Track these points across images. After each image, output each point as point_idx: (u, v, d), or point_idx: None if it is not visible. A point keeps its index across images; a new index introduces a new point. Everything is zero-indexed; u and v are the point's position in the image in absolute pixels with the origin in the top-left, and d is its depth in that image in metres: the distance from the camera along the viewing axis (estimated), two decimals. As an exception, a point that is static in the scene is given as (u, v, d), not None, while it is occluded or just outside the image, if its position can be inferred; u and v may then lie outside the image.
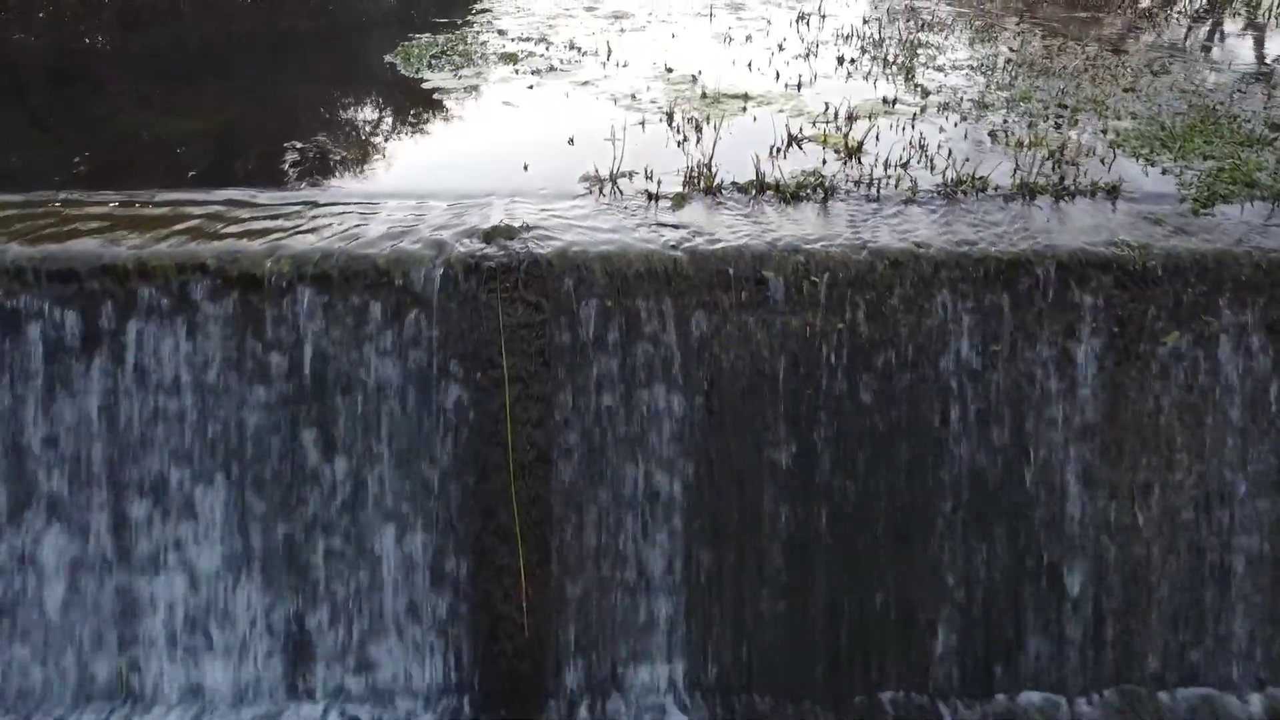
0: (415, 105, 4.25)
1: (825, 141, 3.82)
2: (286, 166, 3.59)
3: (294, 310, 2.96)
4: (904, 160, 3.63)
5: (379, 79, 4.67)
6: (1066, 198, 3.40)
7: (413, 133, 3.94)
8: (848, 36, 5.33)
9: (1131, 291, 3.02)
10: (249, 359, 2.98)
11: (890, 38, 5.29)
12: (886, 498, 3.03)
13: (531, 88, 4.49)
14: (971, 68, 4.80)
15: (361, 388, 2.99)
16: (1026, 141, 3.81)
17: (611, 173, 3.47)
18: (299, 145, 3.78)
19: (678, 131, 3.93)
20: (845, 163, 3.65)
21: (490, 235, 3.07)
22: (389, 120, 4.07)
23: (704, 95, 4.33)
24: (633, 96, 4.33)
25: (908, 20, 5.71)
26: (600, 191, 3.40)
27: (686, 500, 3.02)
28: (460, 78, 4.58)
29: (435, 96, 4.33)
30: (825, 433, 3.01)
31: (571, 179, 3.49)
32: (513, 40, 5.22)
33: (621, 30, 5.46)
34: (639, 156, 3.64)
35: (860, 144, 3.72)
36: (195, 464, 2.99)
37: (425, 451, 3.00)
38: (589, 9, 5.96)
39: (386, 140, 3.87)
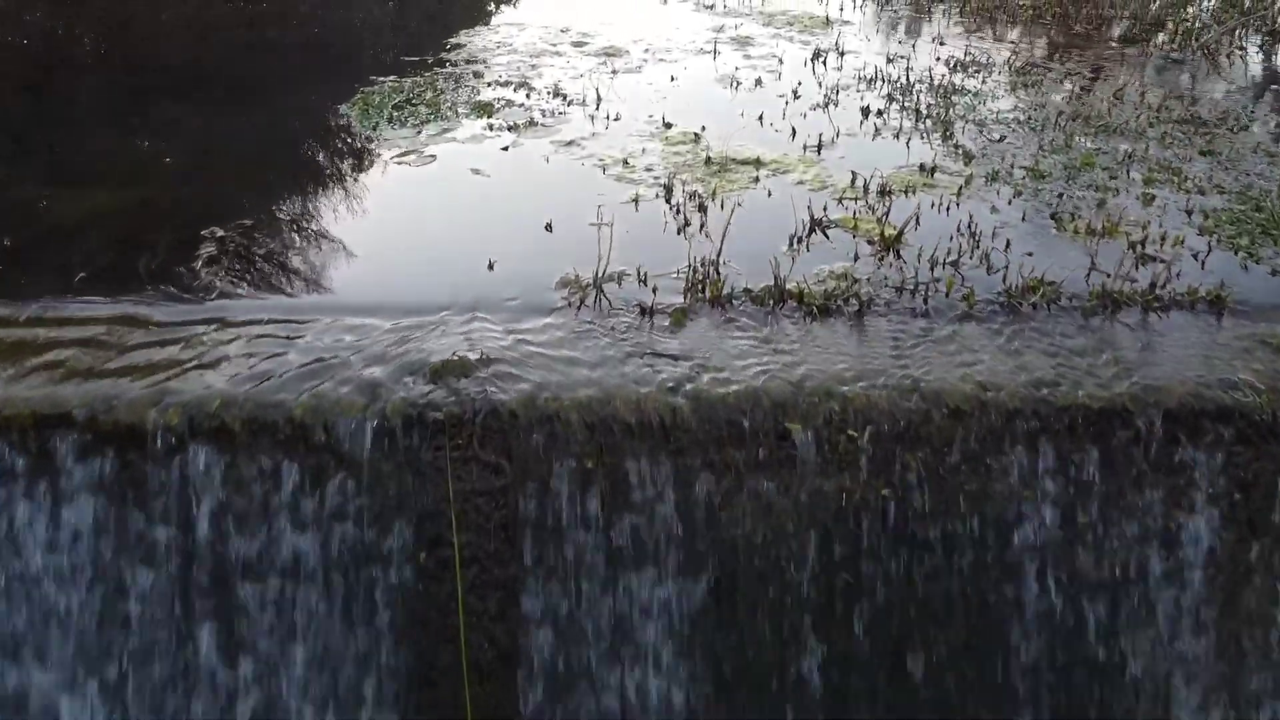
0: (364, 177, 3.58)
1: (856, 227, 3.17)
2: (199, 265, 2.93)
3: (186, 474, 2.32)
4: (953, 255, 2.98)
5: (328, 139, 4.00)
6: (1159, 310, 2.75)
7: (356, 218, 3.27)
8: (871, 80, 4.67)
9: (1258, 448, 2.37)
10: (129, 535, 2.34)
11: (920, 81, 4.64)
12: (945, 712, 2.38)
13: (506, 149, 3.83)
14: (1018, 122, 4.14)
15: (272, 572, 2.34)
16: (1099, 227, 3.16)
17: (596, 276, 2.82)
18: (219, 233, 3.12)
19: (677, 213, 3.28)
20: (881, 258, 3.00)
21: (439, 373, 2.42)
22: (329, 200, 3.40)
23: (708, 160, 3.67)
24: (625, 162, 3.68)
25: (937, 58, 5.06)
26: (582, 302, 2.74)
27: (689, 716, 2.37)
28: (423, 136, 3.92)
29: (390, 164, 3.67)
30: (867, 629, 2.37)
31: (547, 283, 2.84)
32: (489, 85, 4.56)
33: (613, 72, 4.79)
34: (631, 248, 2.99)
35: (899, 233, 3.07)
36: (61, 668, 2.35)
37: (354, 652, 2.37)
38: (578, 44, 5.30)
39: (323, 228, 3.20)
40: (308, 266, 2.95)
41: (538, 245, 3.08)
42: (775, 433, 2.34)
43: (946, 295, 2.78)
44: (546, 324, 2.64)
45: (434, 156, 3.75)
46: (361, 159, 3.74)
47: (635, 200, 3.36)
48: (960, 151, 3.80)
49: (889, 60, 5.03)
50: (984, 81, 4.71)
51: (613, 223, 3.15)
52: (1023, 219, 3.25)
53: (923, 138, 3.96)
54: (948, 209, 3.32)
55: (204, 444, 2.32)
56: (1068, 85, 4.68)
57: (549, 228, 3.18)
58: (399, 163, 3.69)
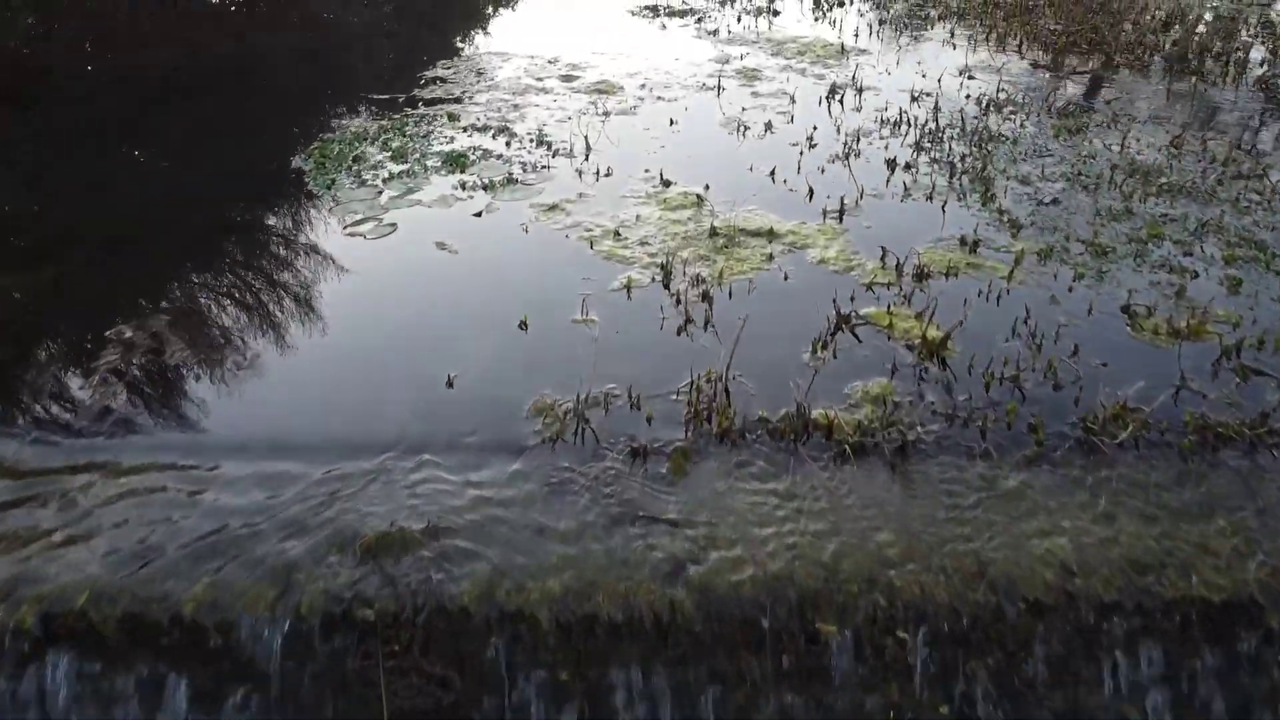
0: (308, 257, 3.04)
1: (891, 325, 2.64)
2: (95, 380, 2.41)
3: (43, 688, 1.80)
4: (1011, 367, 2.46)
5: (276, 203, 3.46)
6: (1273, 448, 2.22)
7: (291, 315, 2.73)
8: (895, 123, 4.15)
9: None
10: (-28, 766, 1.82)
11: (950, 125, 4.11)
12: None
13: (479, 214, 3.31)
14: (1067, 178, 3.62)
15: (156, 814, 1.82)
16: (1183, 325, 2.64)
17: (578, 400, 2.30)
18: (127, 334, 2.60)
19: (677, 303, 2.76)
20: (924, 370, 2.47)
21: (372, 550, 1.90)
22: (262, 290, 2.86)
23: (713, 232, 3.15)
24: (616, 233, 3.15)
25: (966, 95, 4.53)
26: (559, 437, 2.22)
27: None
28: (384, 198, 3.40)
29: (340, 237, 3.14)
30: None
31: (517, 408, 2.31)
32: (464, 129, 4.03)
33: (605, 113, 4.26)
34: (621, 356, 2.48)
35: (945, 338, 2.54)
36: None
37: None
38: (566, 78, 4.77)
39: (251, 330, 2.66)
40: (225, 386, 2.42)
41: (509, 351, 2.56)
42: (803, 634, 1.82)
43: (1009, 428, 2.26)
44: (514, 472, 2.12)
45: (394, 225, 3.22)
46: (308, 230, 3.20)
47: (627, 286, 2.84)
48: (1005, 219, 3.28)
49: (913, 98, 4.51)
50: (1022, 125, 4.19)
51: (600, 319, 2.65)
52: (1089, 312, 2.73)
53: (960, 199, 3.44)
54: (998, 298, 2.80)
55: (66, 651, 1.80)
56: (1116, 129, 4.16)
57: (523, 325, 2.65)
58: (352, 234, 3.16)
